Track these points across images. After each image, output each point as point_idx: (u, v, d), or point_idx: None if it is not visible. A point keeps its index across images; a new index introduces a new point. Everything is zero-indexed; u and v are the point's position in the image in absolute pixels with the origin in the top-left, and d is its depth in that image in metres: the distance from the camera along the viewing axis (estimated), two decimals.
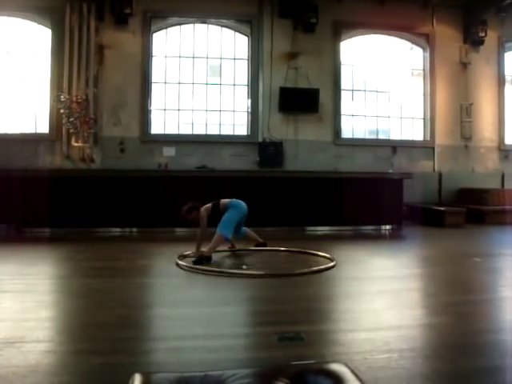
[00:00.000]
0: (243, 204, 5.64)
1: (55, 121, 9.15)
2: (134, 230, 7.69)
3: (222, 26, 10.15)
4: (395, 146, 10.31)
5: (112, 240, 7.07)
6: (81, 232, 7.24)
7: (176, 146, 9.60)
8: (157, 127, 9.88)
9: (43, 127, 9.38)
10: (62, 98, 8.80)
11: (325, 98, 9.95)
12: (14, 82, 9.45)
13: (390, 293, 4.06)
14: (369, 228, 8.23)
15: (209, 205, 5.52)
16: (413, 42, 10.75)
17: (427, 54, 10.61)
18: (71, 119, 8.76)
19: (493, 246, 7.16)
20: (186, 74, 10.00)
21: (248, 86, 10.10)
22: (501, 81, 10.78)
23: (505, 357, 2.63)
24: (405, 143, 10.45)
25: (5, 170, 7.38)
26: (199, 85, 10.05)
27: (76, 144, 9.02)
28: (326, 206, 8.00)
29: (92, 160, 9.17)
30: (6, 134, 9.15)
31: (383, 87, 10.61)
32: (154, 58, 9.85)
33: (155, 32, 9.87)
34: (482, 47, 10.57)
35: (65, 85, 9.03)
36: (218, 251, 5.51)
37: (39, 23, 9.45)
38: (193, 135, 9.97)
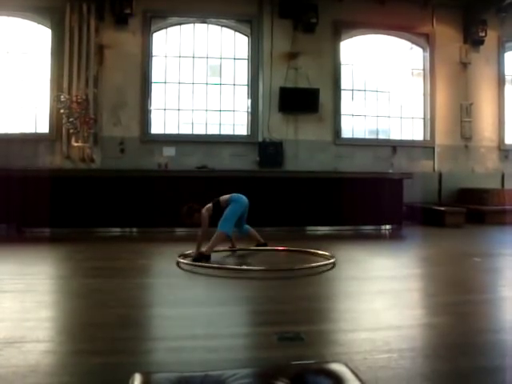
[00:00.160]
0: (244, 198, 5.64)
1: (55, 121, 9.15)
2: (134, 229, 7.69)
3: (222, 26, 10.15)
4: (395, 146, 10.31)
5: (112, 240, 7.07)
6: (81, 232, 7.24)
7: (176, 146, 9.60)
8: (157, 127, 9.88)
9: (43, 127, 9.38)
10: (62, 97, 8.80)
11: (325, 98, 9.95)
12: (14, 82, 9.45)
13: (390, 293, 4.06)
14: (369, 228, 8.23)
15: (209, 205, 5.51)
16: (413, 42, 10.76)
17: (427, 54, 10.62)
18: (71, 119, 8.76)
19: (493, 245, 7.16)
20: (186, 74, 10.00)
21: (248, 85, 10.10)
22: (501, 81, 10.78)
23: (505, 357, 2.63)
24: (405, 143, 10.45)
25: (5, 170, 7.38)
26: (199, 85, 10.05)
27: (76, 144, 9.02)
28: (326, 205, 8.01)
29: (92, 160, 9.17)
30: (6, 134, 9.15)
31: (383, 87, 10.61)
32: (154, 58, 9.85)
33: (155, 32, 9.87)
34: (482, 47, 10.57)
35: (65, 85, 9.03)
36: (218, 251, 5.52)
37: (39, 23, 9.45)
38: (193, 135, 9.97)
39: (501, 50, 10.76)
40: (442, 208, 9.05)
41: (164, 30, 9.98)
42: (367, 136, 10.67)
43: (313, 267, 4.74)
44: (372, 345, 2.75)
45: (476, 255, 5.76)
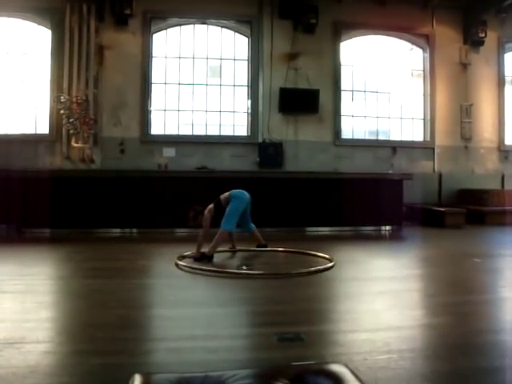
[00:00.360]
0: (244, 193, 5.64)
1: (55, 121, 9.15)
2: (134, 230, 7.69)
3: (222, 27, 10.15)
4: (395, 147, 10.32)
5: (112, 241, 7.07)
6: (81, 233, 7.25)
7: (176, 147, 9.60)
8: (157, 128, 9.88)
9: (43, 128, 9.38)
10: (62, 98, 8.80)
11: (325, 99, 9.95)
12: (14, 83, 9.45)
13: (390, 293, 4.06)
14: (369, 229, 8.23)
15: (211, 205, 5.52)
16: (413, 43, 10.76)
17: (427, 55, 10.62)
18: (71, 120, 8.76)
19: (493, 246, 7.16)
20: (186, 75, 10.00)
21: (248, 86, 10.10)
22: (501, 81, 10.78)
23: (505, 357, 2.63)
24: (405, 144, 10.46)
25: (5, 171, 7.38)
26: (199, 85, 10.06)
27: (76, 145, 9.02)
28: (326, 206, 8.00)
29: (92, 161, 9.17)
30: (6, 135, 9.15)
31: (383, 88, 10.62)
32: (154, 59, 9.85)
33: (155, 33, 9.87)
34: (481, 48, 10.58)
35: (65, 85, 9.04)
36: (218, 251, 5.52)
37: (39, 24, 9.46)
38: (193, 136, 9.97)
39: (501, 51, 10.77)
40: (442, 209, 9.05)
41: (164, 31, 9.98)
42: (367, 137, 10.67)
43: (311, 272, 4.71)
44: (372, 345, 2.75)
45: (476, 256, 5.76)
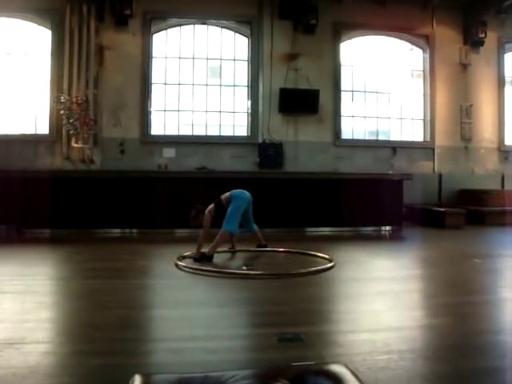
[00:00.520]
0: (245, 192, 5.64)
1: (55, 122, 9.16)
2: (134, 231, 7.68)
3: (222, 27, 10.16)
4: (395, 147, 10.32)
5: (112, 241, 7.07)
6: (81, 233, 7.25)
7: (176, 147, 9.61)
8: (157, 128, 9.89)
9: (43, 128, 9.39)
10: (62, 99, 8.81)
11: (325, 99, 9.95)
12: (14, 83, 9.45)
13: (390, 294, 4.05)
14: (369, 229, 8.23)
15: (211, 206, 5.52)
16: (413, 43, 10.77)
17: (427, 55, 10.63)
18: (71, 120, 8.76)
19: (493, 247, 7.15)
20: (186, 75, 10.01)
21: (248, 86, 10.10)
22: (501, 82, 10.79)
23: (505, 358, 2.63)
24: (405, 144, 10.46)
25: (5, 171, 7.38)
26: (199, 86, 10.06)
27: (76, 145, 9.02)
28: (326, 207, 8.01)
29: (92, 161, 9.17)
30: (6, 135, 9.16)
31: (383, 88, 10.62)
32: (154, 59, 9.86)
33: (155, 33, 9.88)
34: (481, 48, 10.58)
35: (65, 86, 9.04)
36: (218, 252, 5.51)
37: (39, 24, 9.46)
38: (193, 136, 9.97)
39: (501, 51, 10.77)
40: (442, 209, 9.05)
41: (164, 31, 9.99)
42: (367, 137, 10.68)
43: (311, 272, 4.71)
44: (372, 346, 2.75)
45: (476, 256, 5.76)
